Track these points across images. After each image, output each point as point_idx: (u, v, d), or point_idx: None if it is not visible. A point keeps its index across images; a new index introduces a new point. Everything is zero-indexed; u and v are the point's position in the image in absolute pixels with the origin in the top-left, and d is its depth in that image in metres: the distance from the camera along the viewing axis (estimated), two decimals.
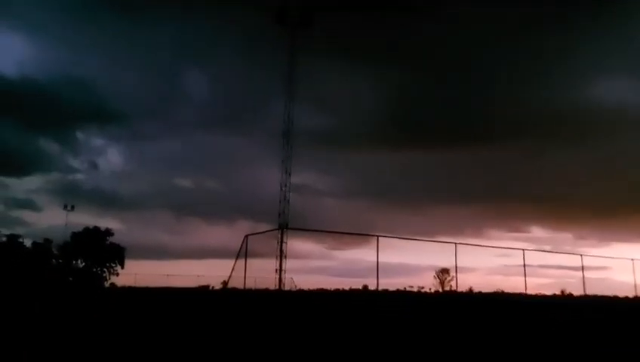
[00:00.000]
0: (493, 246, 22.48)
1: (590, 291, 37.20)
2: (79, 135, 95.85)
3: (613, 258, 27.27)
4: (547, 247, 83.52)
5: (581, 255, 23.17)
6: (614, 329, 14.66)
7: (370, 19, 77.93)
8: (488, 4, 73.67)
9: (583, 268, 22.75)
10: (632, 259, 25.77)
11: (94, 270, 52.57)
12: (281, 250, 29.20)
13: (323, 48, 60.33)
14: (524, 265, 20.54)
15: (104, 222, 68.91)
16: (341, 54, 75.04)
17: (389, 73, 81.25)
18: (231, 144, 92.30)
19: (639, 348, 10.89)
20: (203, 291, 54.20)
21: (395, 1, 75.24)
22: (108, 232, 54.18)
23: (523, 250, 20.88)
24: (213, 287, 59.36)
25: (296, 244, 37.16)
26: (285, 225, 36.04)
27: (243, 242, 18.41)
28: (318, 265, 58.31)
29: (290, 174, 37.61)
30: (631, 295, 26.69)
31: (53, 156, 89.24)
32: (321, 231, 21.20)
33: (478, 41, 75.36)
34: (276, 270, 30.29)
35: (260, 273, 27.40)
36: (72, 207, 55.76)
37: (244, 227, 78.88)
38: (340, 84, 77.80)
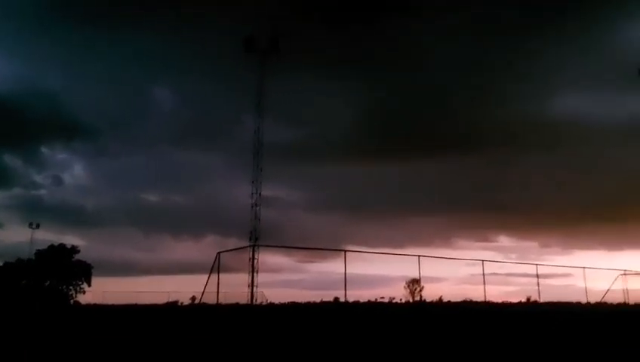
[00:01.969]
0: (453, 258, 23.53)
1: (555, 298, 38.69)
2: (44, 150, 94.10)
3: (565, 266, 28.69)
4: (513, 256, 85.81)
5: (536, 264, 24.48)
6: (565, 333, 15.60)
7: (340, 32, 79.48)
8: (456, 19, 75.97)
9: (538, 276, 24.05)
10: (584, 268, 27.20)
11: (60, 288, 51.59)
12: (253, 266, 29.73)
13: (293, 62, 61.18)
14: (484, 275, 21.61)
15: (69, 239, 67.67)
16: (311, 67, 76.10)
17: (358, 86, 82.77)
18: (199, 159, 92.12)
19: (578, 349, 11.76)
20: (172, 307, 53.66)
21: (365, 15, 76.82)
22: (74, 249, 53.33)
23: (482, 260, 21.93)
24: (182, 303, 58.94)
25: (268, 258, 37.65)
26: (255, 239, 36.70)
27: (215, 259, 18.80)
28: (289, 279, 58.56)
29: (260, 194, 38.96)
30: (589, 300, 28.14)
31: (15, 171, 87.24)
32: (291, 247, 21.74)
33: (445, 54, 77.55)
34: (248, 285, 30.80)
35: (231, 288, 27.73)
36: (38, 225, 54.81)
37: (213, 242, 78.53)
38: (310, 98, 78.86)
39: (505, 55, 77.50)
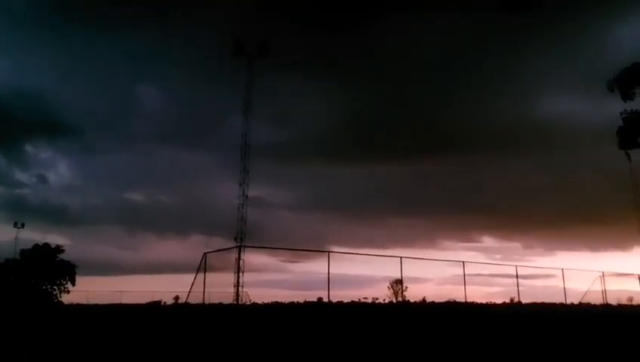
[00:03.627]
0: (435, 259, 23.98)
1: (537, 298, 39.31)
2: (28, 148, 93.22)
3: (544, 267, 29.29)
4: (497, 256, 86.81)
5: (516, 265, 25.02)
6: (543, 333, 16.00)
7: (328, 33, 79.66)
8: (443, 23, 76.28)
9: (517, 277, 24.56)
10: (562, 269, 27.79)
11: (44, 288, 51.20)
12: (239, 267, 30.01)
13: (280, 62, 61.26)
14: (464, 276, 22.05)
15: (53, 238, 67.08)
16: (297, 69, 76.29)
17: (344, 88, 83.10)
18: (184, 158, 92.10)
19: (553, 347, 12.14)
20: (154, 307, 53.56)
21: (354, 18, 76.99)
22: (58, 249, 52.96)
23: (463, 262, 22.35)
24: (164, 303, 58.92)
25: (252, 258, 37.88)
26: (241, 240, 36.99)
27: (202, 260, 18.96)
28: (273, 278, 58.80)
29: (247, 196, 39.47)
30: (568, 301, 28.72)
31: None
32: (276, 248, 21.97)
33: (431, 57, 78.01)
34: (234, 285, 31.09)
35: (216, 288, 27.90)
36: (23, 225, 54.56)
37: (197, 241, 78.43)
38: (296, 99, 79.08)
39: (491, 57, 78.12)
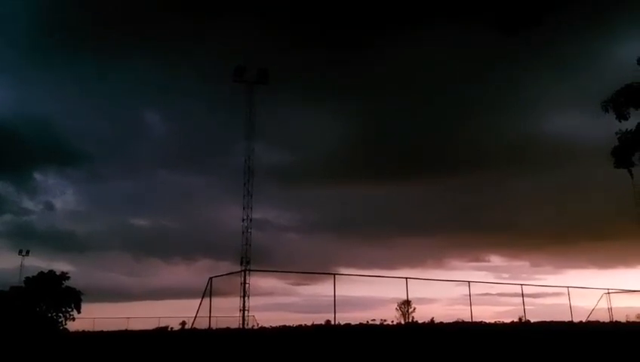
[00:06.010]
0: (441, 280, 24.01)
1: (547, 317, 39.14)
2: (36, 176, 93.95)
3: (550, 286, 29.26)
4: (505, 275, 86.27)
5: (521, 284, 25.04)
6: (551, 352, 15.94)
7: (330, 55, 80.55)
8: (445, 42, 76.96)
9: (523, 296, 24.58)
10: (568, 287, 27.73)
11: (49, 315, 50.99)
12: (244, 291, 30.06)
13: (283, 84, 61.92)
14: (470, 296, 22.03)
15: (59, 265, 67.25)
16: (300, 91, 76.98)
17: (348, 109, 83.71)
18: (190, 183, 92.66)
19: None
20: (162, 333, 53.24)
21: (355, 38, 77.84)
22: (63, 276, 52.92)
23: (469, 282, 22.36)
24: (171, 328, 58.56)
25: (259, 281, 37.92)
26: (247, 262, 37.06)
27: (207, 284, 19.03)
28: (281, 302, 58.77)
29: (251, 220, 39.80)
30: (574, 320, 28.61)
31: (6, 198, 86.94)
32: (281, 271, 22.08)
33: (437, 76, 78.49)
34: (240, 310, 31.05)
35: (223, 312, 27.90)
36: (27, 252, 54.62)
37: (204, 266, 78.33)
38: (300, 120, 79.72)
39: (496, 75, 78.48)
